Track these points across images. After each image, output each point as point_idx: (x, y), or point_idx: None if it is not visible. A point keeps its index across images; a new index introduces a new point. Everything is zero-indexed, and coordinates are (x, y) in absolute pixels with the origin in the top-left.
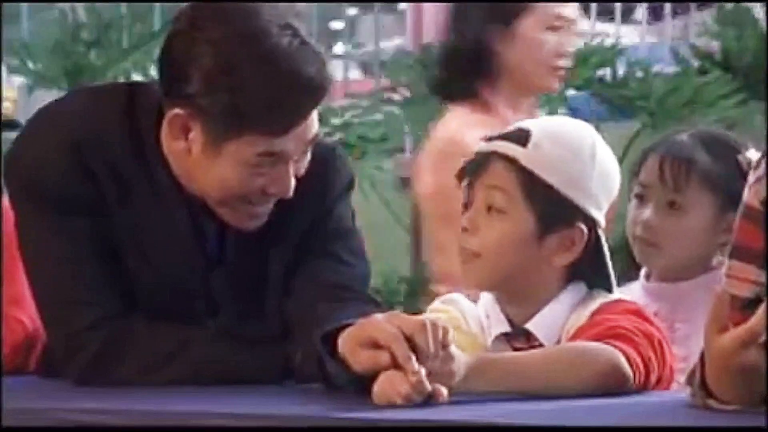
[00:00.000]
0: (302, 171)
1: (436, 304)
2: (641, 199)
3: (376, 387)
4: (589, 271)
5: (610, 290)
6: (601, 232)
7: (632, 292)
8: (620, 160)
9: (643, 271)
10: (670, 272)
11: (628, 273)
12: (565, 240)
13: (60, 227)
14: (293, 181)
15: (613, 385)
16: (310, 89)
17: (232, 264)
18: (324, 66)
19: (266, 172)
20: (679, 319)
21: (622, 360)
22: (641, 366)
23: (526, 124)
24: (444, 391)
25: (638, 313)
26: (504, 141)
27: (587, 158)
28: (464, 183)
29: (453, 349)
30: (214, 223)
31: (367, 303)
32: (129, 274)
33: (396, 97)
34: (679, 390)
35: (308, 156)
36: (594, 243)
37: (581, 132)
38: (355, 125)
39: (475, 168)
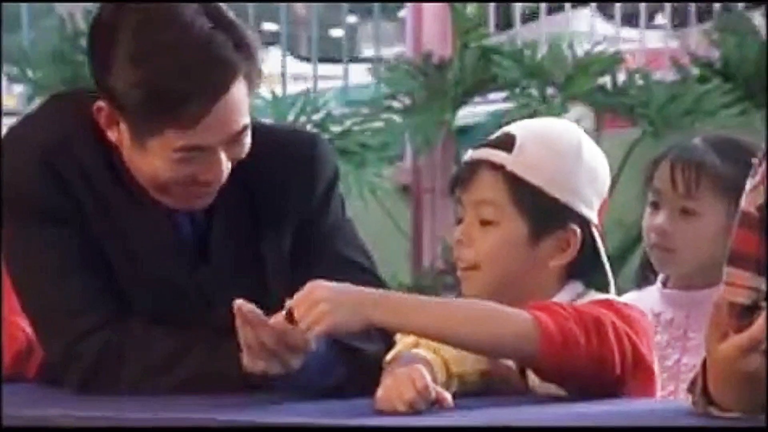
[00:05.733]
0: (242, 156)
1: None
2: (656, 206)
3: (380, 392)
4: (586, 271)
5: (608, 289)
6: (595, 231)
7: (649, 297)
8: (620, 168)
9: (660, 277)
10: (687, 278)
11: (647, 278)
12: (560, 242)
13: (43, 238)
14: (227, 167)
15: (524, 346)
16: (210, 77)
17: (220, 258)
18: (232, 50)
19: (194, 163)
20: (693, 328)
21: (534, 324)
22: (557, 336)
23: (511, 128)
24: (448, 396)
25: (613, 307)
26: (490, 148)
27: (573, 157)
28: (456, 194)
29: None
30: (192, 218)
31: None
32: (118, 278)
33: (396, 104)
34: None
35: (246, 142)
36: (590, 242)
37: (566, 131)
38: (355, 133)
39: (464, 178)
